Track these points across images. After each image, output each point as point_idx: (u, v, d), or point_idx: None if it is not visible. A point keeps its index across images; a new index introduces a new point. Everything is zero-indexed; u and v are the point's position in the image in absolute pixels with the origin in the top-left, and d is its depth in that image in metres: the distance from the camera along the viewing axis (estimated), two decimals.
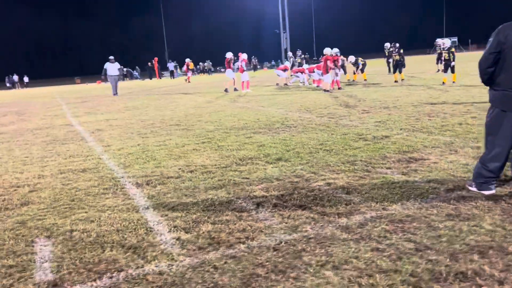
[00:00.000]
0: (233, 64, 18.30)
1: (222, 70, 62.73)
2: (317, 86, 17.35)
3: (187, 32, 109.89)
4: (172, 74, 42.86)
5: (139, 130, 9.08)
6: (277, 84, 20.69)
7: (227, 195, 4.38)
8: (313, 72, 17.52)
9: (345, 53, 25.12)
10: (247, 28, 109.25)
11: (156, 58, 48.34)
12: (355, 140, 6.57)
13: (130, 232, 3.59)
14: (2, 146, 8.26)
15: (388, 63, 22.19)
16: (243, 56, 17.91)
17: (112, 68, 19.96)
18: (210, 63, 51.67)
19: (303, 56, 25.15)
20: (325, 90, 14.87)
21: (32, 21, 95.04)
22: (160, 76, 47.02)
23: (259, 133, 7.81)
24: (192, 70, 31.34)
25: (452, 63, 14.29)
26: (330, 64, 14.69)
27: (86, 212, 4.15)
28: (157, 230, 3.59)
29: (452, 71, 14.53)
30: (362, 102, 11.38)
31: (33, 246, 3.44)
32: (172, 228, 3.60)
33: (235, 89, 18.11)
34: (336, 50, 15.93)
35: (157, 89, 24.51)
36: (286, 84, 19.87)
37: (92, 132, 9.22)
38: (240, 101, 13.90)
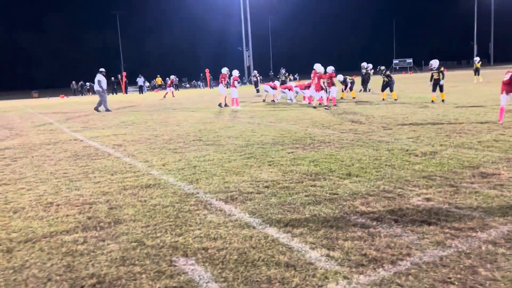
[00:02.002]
0: (228, 80, 18.21)
1: (187, 86, 62.50)
2: (309, 103, 17.56)
3: (144, 48, 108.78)
4: (141, 89, 42.05)
5: (164, 146, 8.84)
6: (263, 100, 20.78)
7: (332, 211, 4.33)
8: (304, 89, 17.73)
9: (301, 71, 25.81)
10: (206, 45, 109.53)
11: (124, 73, 47.41)
12: (407, 156, 6.69)
13: (269, 249, 3.49)
14: (24, 162, 7.82)
15: (363, 82, 22.84)
16: (234, 73, 17.89)
17: (105, 81, 19.26)
18: (177, 78, 51.15)
19: (286, 74, 25.45)
20: (325, 107, 15.08)
21: None
22: (126, 91, 46.07)
23: (298, 148, 7.80)
24: (173, 86, 30.85)
25: (441, 82, 14.90)
26: (322, 83, 14.96)
27: (199, 229, 3.99)
28: (297, 247, 3.51)
29: (441, 90, 15.16)
30: (371, 118, 11.62)
31: (175, 265, 3.26)
32: (311, 245, 3.52)
33: (226, 105, 18.02)
34: (331, 68, 16.24)
35: (137, 104, 23.96)
36: (273, 100, 19.99)
37: (113, 148, 8.88)
38: (242, 117, 13.84)
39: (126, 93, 45.23)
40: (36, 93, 52.39)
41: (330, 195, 4.88)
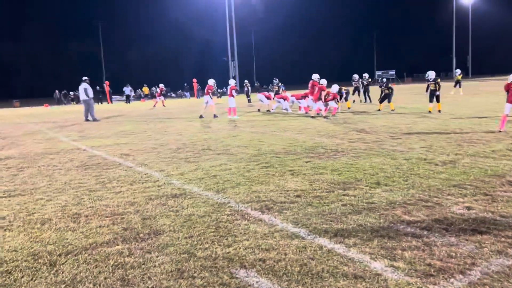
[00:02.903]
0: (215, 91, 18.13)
1: (173, 95, 62.05)
2: (305, 113, 17.58)
3: (126, 58, 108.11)
4: (128, 98, 41.59)
5: (173, 155, 8.69)
6: (258, 110, 20.73)
7: (376, 220, 4.27)
8: (300, 99, 17.76)
9: (284, 82, 26.13)
10: (189, 55, 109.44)
11: (107, 82, 46.88)
12: (427, 165, 6.69)
13: (329, 260, 3.40)
14: (31, 171, 7.59)
15: (365, 92, 23.07)
16: (231, 82, 17.82)
17: (91, 89, 18.94)
18: (164, 88, 50.79)
19: (280, 84, 25.55)
20: (324, 117, 15.12)
21: None
22: (111, 100, 45.51)
23: (313, 157, 7.74)
24: (162, 95, 30.54)
25: (437, 93, 15.10)
26: (323, 95, 15.06)
27: (247, 240, 3.89)
28: (357, 258, 3.43)
29: (437, 101, 15.35)
30: (375, 128, 11.66)
31: (237, 277, 3.15)
32: (370, 256, 3.45)
33: (215, 116, 17.82)
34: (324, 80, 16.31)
35: (127, 114, 23.63)
36: (268, 110, 19.96)
37: (121, 157, 8.69)
38: (243, 127, 13.74)
39: (112, 103, 44.67)
40: (18, 102, 51.40)
41: (367, 204, 4.82)
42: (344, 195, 5.23)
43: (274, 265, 3.33)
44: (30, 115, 27.78)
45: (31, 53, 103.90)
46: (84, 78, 19.15)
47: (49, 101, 50.28)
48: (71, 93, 50.10)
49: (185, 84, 57.08)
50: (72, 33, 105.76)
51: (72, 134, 13.63)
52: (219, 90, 42.23)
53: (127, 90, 41.92)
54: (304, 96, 17.76)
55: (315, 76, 15.87)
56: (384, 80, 17.41)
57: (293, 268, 3.27)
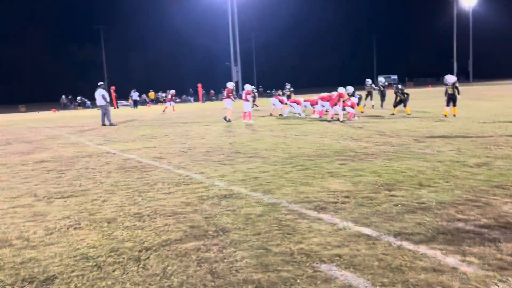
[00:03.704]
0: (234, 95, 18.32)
1: (178, 100, 62.23)
2: (320, 117, 17.79)
3: (127, 63, 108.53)
4: (135, 103, 41.83)
5: (206, 158, 8.88)
6: (271, 114, 20.94)
7: (433, 219, 4.47)
8: (316, 104, 17.98)
9: (281, 87, 26.40)
10: (191, 60, 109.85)
11: (113, 87, 47.09)
12: (462, 167, 6.89)
13: (403, 255, 3.59)
14: (72, 174, 7.82)
15: (367, 97, 23.29)
16: (247, 87, 18.05)
17: (107, 94, 19.20)
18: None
19: (292, 89, 25.85)
20: (341, 121, 15.35)
21: None
22: (117, 105, 45.73)
23: (346, 160, 7.93)
24: (173, 99, 30.80)
25: (459, 96, 15.31)
26: (340, 102, 15.36)
27: (315, 237, 4.06)
28: (429, 254, 3.61)
29: (454, 105, 15.55)
30: (396, 132, 11.86)
31: (321, 271, 3.33)
32: (441, 251, 3.64)
33: (229, 120, 18.03)
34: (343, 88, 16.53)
35: (139, 119, 23.84)
36: (281, 114, 20.17)
37: (155, 160, 8.88)
38: (262, 130, 13.95)
39: (118, 107, 44.89)
40: (24, 107, 51.64)
41: (418, 204, 5.01)
42: (391, 195, 5.42)
43: (352, 260, 3.52)
44: (42, 119, 27.99)
45: (33, 58, 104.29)
46: (100, 83, 19.41)
47: (53, 106, 50.51)
48: (78, 98, 50.33)
49: (190, 89, 57.38)
50: (74, 38, 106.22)
51: (95, 139, 13.82)
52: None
53: (135, 95, 42.17)
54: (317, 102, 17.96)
55: (343, 90, 16.18)
56: (400, 86, 17.60)
57: (371, 263, 3.45)
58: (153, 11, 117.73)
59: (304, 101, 19.48)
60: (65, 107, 50.75)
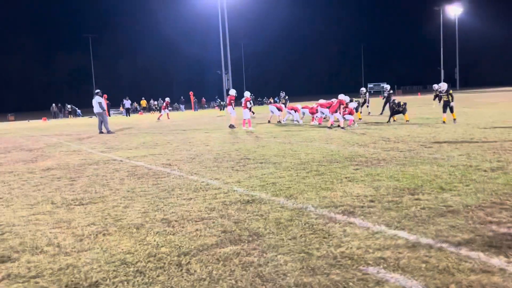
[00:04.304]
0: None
1: (170, 108, 61.96)
2: (319, 124, 17.86)
3: (116, 71, 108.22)
4: (128, 112, 41.59)
5: (217, 164, 8.85)
6: (269, 121, 20.97)
7: (465, 222, 4.49)
8: (316, 111, 18.05)
9: (274, 94, 26.50)
10: (181, 68, 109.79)
11: (105, 95, 46.78)
12: (477, 171, 6.95)
13: (447, 257, 3.60)
14: (84, 181, 7.73)
15: (363, 105, 23.43)
16: (246, 94, 18.08)
17: (104, 102, 19.09)
18: (162, 101, 50.97)
19: (286, 97, 26.00)
20: (342, 127, 15.44)
21: None
22: (109, 113, 45.41)
23: (359, 165, 7.96)
24: (166, 107, 30.69)
25: (452, 104, 15.52)
26: (341, 109, 15.46)
27: (353, 241, 4.06)
28: (471, 255, 3.64)
29: (451, 111, 15.76)
30: (400, 138, 11.94)
31: (368, 273, 3.33)
32: (484, 253, 3.68)
33: (233, 126, 18.06)
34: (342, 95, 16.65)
35: (135, 127, 23.70)
36: (279, 121, 20.21)
37: (165, 167, 8.83)
38: (264, 137, 13.95)
39: (110, 115, 44.55)
40: (12, 116, 51.08)
41: (445, 207, 5.03)
42: (416, 199, 5.44)
43: (398, 263, 3.52)
44: (36, 128, 27.69)
45: (21, 66, 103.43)
46: (97, 91, 19.31)
47: (42, 115, 50.04)
48: (68, 106, 49.93)
49: (181, 97, 57.27)
50: (63, 46, 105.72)
51: (97, 146, 13.70)
52: (222, 103, 42.38)
53: (127, 103, 41.94)
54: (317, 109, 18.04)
55: (342, 96, 16.29)
56: (396, 101, 17.74)
57: (417, 265, 3.45)
58: (142, 19, 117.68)
59: (302, 108, 19.53)
60: (55, 115, 50.27)
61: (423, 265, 3.45)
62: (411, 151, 9.47)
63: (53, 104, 51.64)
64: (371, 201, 5.46)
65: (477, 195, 5.48)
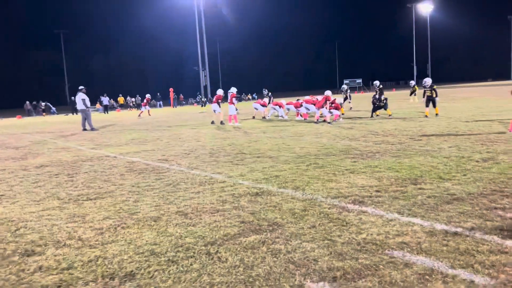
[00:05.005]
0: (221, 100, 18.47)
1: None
2: (304, 119, 18.09)
3: (89, 67, 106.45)
4: (106, 109, 41.04)
5: (215, 159, 8.94)
6: (253, 117, 21.09)
7: (473, 208, 4.72)
8: (301, 106, 18.27)
9: (251, 91, 26.67)
10: (156, 64, 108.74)
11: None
12: (470, 161, 7.24)
13: (463, 240, 3.79)
14: (84, 177, 7.70)
15: (344, 100, 23.80)
16: (232, 90, 18.17)
17: (88, 99, 18.84)
18: (140, 98, 50.51)
19: (269, 94, 26.14)
20: (328, 122, 15.69)
21: None
22: None
23: (355, 158, 8.17)
24: (147, 104, 30.43)
25: (437, 98, 15.99)
26: (327, 104, 15.72)
27: (371, 228, 4.23)
28: (486, 238, 3.83)
29: (434, 106, 16.24)
30: (387, 131, 12.25)
31: (395, 257, 3.49)
32: (499, 236, 3.87)
33: (222, 122, 18.17)
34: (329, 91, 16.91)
35: (117, 123, 23.44)
36: (264, 117, 20.36)
37: (162, 162, 8.86)
38: (254, 132, 14.08)
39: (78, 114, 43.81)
40: None
41: (449, 195, 5.27)
42: (420, 189, 5.66)
43: (419, 246, 3.70)
44: (13, 126, 27.06)
45: None
46: (81, 87, 19.01)
47: (15, 113, 48.89)
48: (42, 104, 48.87)
49: (158, 94, 56.74)
50: (33, 43, 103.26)
51: (85, 143, 13.57)
52: (203, 99, 42.27)
53: (105, 100, 41.37)
54: (302, 105, 18.26)
55: (328, 92, 16.53)
56: (377, 96, 18.08)
57: (439, 248, 3.65)
58: (116, 15, 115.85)
59: (287, 104, 19.72)
60: (29, 113, 49.12)
61: (444, 248, 3.64)
62: (401, 143, 9.74)
63: (27, 102, 50.40)
64: (377, 191, 5.65)
65: (476, 184, 5.74)
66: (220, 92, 18.35)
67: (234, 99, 17.76)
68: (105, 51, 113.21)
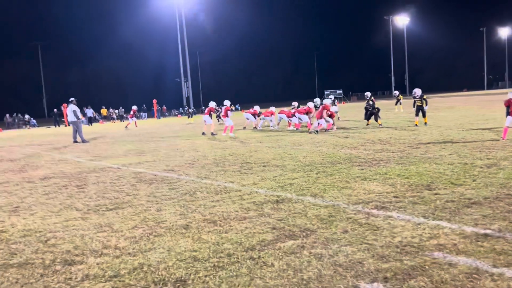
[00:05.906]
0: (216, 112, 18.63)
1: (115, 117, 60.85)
2: (296, 129, 18.29)
3: (66, 79, 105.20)
4: (90, 121, 40.60)
5: (222, 168, 9.01)
6: (244, 127, 21.20)
7: (493, 211, 4.91)
8: (293, 116, 18.47)
9: (234, 103, 26.87)
10: (140, 75, 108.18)
11: (65, 104, 45.45)
12: (475, 167, 7.47)
13: (497, 242, 3.96)
14: (94, 188, 7.69)
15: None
16: (226, 103, 18.35)
17: (79, 110, 18.71)
18: (123, 109, 50.14)
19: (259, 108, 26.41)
20: (316, 131, 15.92)
21: None
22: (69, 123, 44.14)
23: (362, 166, 8.34)
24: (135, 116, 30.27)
25: (425, 108, 16.41)
26: (325, 114, 15.93)
27: (402, 231, 4.37)
28: None
29: (423, 115, 16.64)
30: (383, 140, 12.50)
31: (436, 258, 3.64)
32: None
33: (212, 133, 18.21)
34: (328, 100, 17.20)
35: (106, 136, 23.24)
36: (255, 127, 20.49)
37: (169, 172, 8.89)
38: (251, 143, 14.17)
39: (69, 125, 43.30)
40: None
41: (466, 200, 5.46)
42: (436, 194, 5.85)
43: (456, 248, 3.85)
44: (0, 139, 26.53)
45: None
46: (71, 99, 18.87)
47: None
48: (26, 117, 48.07)
49: (143, 105, 56.48)
50: (8, 55, 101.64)
51: (81, 155, 13.46)
52: (190, 110, 42.19)
53: (89, 112, 40.95)
54: (294, 114, 18.47)
55: (327, 101, 16.84)
56: (371, 102, 18.47)
57: (476, 248, 3.80)
58: (95, 26, 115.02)
59: (279, 113, 19.91)
60: (9, 126, 48.23)
61: (481, 248, 3.80)
62: (402, 151, 9.97)
63: (7, 115, 49.53)
64: (395, 196, 5.81)
65: (489, 188, 5.95)
66: (212, 104, 18.48)
67: (228, 112, 17.85)
68: (84, 63, 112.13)
